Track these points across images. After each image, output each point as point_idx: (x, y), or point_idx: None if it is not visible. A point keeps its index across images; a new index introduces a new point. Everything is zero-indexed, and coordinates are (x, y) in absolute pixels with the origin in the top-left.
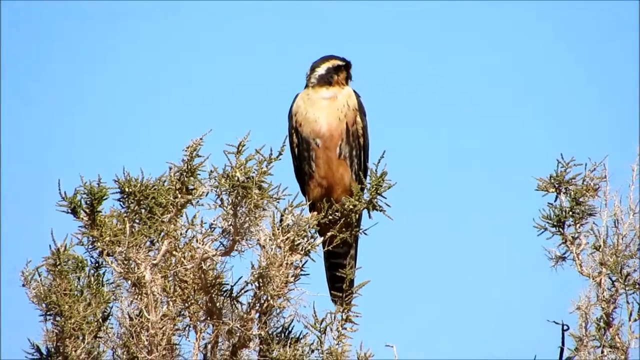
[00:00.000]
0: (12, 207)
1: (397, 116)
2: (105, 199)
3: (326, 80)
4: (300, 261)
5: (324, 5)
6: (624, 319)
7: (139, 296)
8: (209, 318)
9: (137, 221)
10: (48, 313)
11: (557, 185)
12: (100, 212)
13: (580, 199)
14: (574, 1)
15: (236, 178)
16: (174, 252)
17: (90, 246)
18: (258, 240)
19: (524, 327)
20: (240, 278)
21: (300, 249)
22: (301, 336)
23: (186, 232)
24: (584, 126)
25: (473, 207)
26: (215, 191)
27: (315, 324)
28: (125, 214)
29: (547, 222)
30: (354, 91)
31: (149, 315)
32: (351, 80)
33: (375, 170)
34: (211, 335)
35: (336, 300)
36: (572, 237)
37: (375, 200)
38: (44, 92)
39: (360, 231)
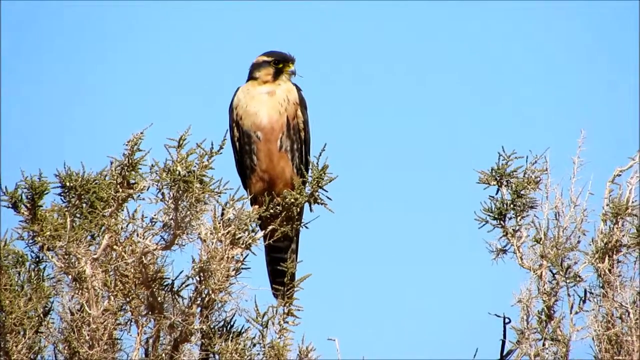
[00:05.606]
0: None
1: (339, 109)
2: (46, 193)
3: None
4: (242, 255)
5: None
6: (565, 311)
7: (80, 291)
8: (150, 312)
9: (78, 215)
10: None
11: (498, 178)
12: (41, 206)
13: (522, 192)
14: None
15: (177, 172)
16: (114, 247)
17: (30, 241)
18: (199, 234)
19: (466, 320)
20: (181, 272)
21: (241, 242)
22: (243, 330)
23: (127, 226)
24: (525, 119)
25: (415, 200)
26: (157, 185)
27: (257, 317)
28: (66, 209)
29: (488, 215)
30: (296, 85)
31: (90, 310)
32: (294, 75)
33: (317, 164)
34: (153, 329)
35: (278, 294)
36: (513, 229)
37: (317, 193)
38: None
39: (302, 225)
